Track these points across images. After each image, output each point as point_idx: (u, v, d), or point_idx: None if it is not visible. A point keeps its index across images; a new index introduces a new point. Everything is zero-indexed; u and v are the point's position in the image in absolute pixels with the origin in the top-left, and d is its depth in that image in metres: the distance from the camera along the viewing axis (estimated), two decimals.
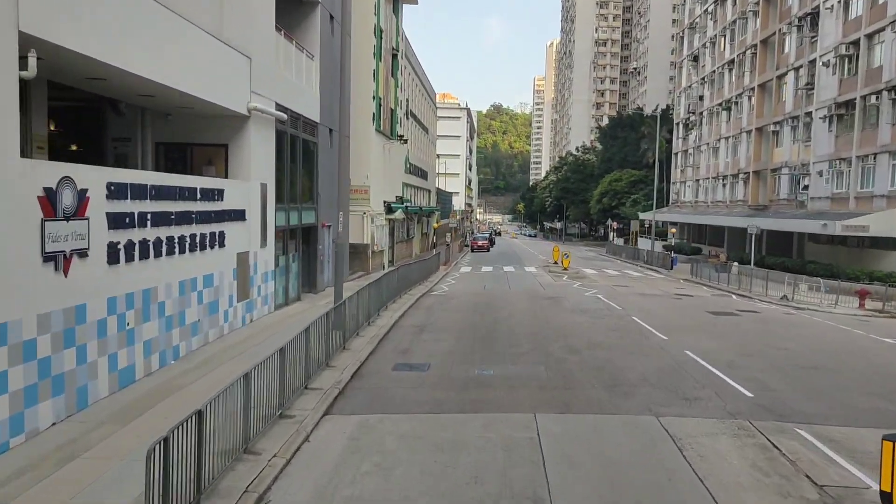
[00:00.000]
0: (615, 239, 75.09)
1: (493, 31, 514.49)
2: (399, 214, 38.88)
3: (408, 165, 46.69)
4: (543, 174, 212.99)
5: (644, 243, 63.91)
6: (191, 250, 13.86)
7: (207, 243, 14.65)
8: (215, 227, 15.05)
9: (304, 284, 23.04)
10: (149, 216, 12.11)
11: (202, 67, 14.51)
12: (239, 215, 16.43)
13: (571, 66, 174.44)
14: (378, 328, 17.83)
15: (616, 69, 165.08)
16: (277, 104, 19.10)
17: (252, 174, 17.39)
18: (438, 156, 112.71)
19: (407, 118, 45.79)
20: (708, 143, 58.32)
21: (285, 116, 19.41)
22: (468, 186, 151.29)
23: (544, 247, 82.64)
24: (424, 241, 57.72)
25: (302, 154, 22.05)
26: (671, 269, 44.00)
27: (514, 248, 77.23)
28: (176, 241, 13.20)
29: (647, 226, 73.21)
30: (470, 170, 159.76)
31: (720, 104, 55.53)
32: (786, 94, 43.52)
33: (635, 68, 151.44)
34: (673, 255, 45.23)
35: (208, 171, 17.04)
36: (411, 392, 12.19)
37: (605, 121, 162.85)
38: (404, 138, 39.47)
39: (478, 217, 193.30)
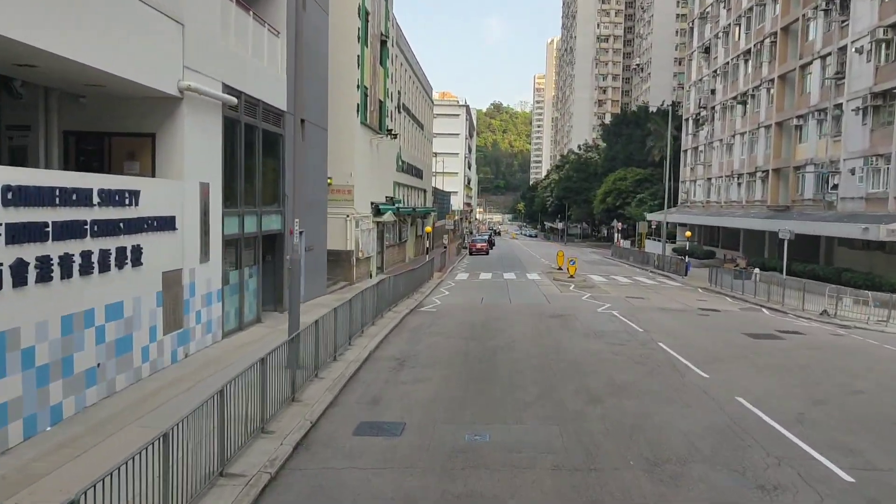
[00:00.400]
0: (621, 241, 71.45)
1: (492, 31, 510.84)
2: (389, 216, 35.38)
3: (400, 163, 43.15)
4: (544, 173, 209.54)
5: (652, 246, 60.40)
6: (83, 273, 10.31)
7: (112, 262, 11.10)
8: (126, 241, 11.50)
9: (266, 303, 19.50)
10: (1, 229, 8.58)
11: (106, 29, 10.96)
12: (165, 224, 12.87)
13: (573, 63, 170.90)
14: (346, 364, 14.26)
15: (618, 66, 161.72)
16: (226, 86, 15.56)
17: (187, 171, 13.83)
18: (436, 154, 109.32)
19: (399, 112, 42.25)
20: (721, 140, 54.78)
21: (235, 101, 15.85)
22: (467, 185, 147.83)
23: (546, 248, 79.11)
24: (419, 244, 54.22)
25: (263, 148, 18.50)
26: (685, 275, 40.47)
27: (514, 251, 73.76)
28: (55, 262, 9.65)
29: (653, 227, 69.82)
30: (469, 169, 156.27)
31: (735, 98, 51.98)
32: (810, 84, 39.95)
33: (638, 65, 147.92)
34: (687, 260, 41.69)
35: (130, 168, 13.51)
36: (373, 478, 8.63)
37: (608, 118, 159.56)
38: (394, 133, 35.98)
39: (477, 217, 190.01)
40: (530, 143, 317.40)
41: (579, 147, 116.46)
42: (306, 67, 21.85)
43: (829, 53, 37.24)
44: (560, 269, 41.20)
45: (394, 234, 41.88)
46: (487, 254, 63.31)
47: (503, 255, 61.31)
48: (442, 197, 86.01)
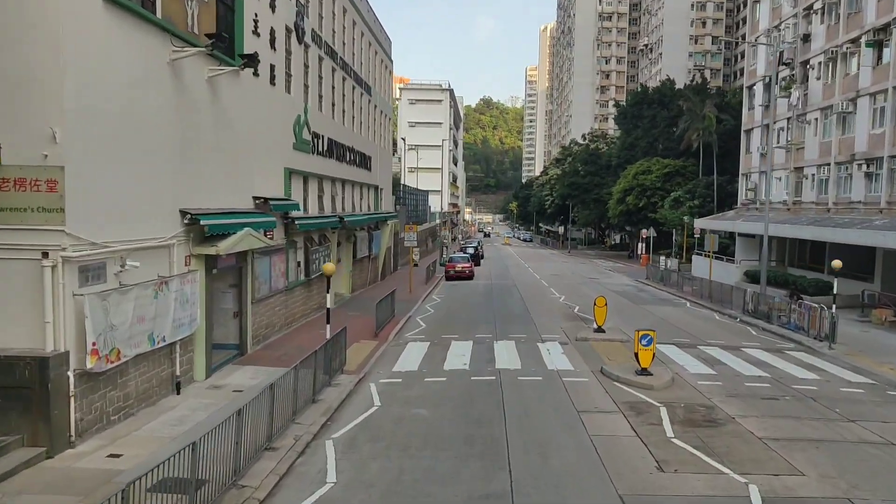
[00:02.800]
0: (647, 254, 51.77)
1: (481, 25, 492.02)
2: (243, 240, 16.11)
3: (307, 139, 23.87)
4: (538, 171, 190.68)
5: (699, 266, 41.09)
6: None
7: None
8: None
9: None
10: None
11: None
12: None
13: (571, 45, 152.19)
14: None
15: (623, 47, 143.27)
16: None
17: None
18: (405, 141, 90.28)
19: (300, 41, 22.93)
20: (826, 108, 35.85)
21: None
22: (453, 183, 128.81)
23: (550, 262, 59.78)
24: (366, 269, 34.94)
25: None
26: (832, 341, 21.46)
27: (510, 268, 54.32)
28: None
29: (695, 236, 51.08)
30: (455, 164, 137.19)
31: (853, 41, 33.16)
32: None
33: (646, 45, 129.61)
34: (834, 313, 22.47)
35: None
36: None
37: (611, 106, 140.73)
38: (250, 56, 16.38)
39: (465, 217, 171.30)
40: (522, 140, 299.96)
41: (583, 136, 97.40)
42: None
43: None
44: (600, 329, 22.01)
45: (293, 269, 22.58)
46: (472, 277, 44.10)
47: (495, 284, 41.99)
48: (415, 197, 66.77)
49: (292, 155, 22.37)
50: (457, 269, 43.58)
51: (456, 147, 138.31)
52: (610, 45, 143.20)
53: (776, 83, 36.26)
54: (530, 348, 20.13)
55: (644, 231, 62.20)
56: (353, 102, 32.71)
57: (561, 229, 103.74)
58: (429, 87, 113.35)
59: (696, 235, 51.01)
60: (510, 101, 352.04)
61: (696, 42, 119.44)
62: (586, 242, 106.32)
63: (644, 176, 64.27)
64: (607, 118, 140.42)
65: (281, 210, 20.35)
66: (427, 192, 79.23)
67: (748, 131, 46.46)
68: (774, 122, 42.36)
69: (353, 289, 32.68)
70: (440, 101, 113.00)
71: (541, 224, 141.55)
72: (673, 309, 30.64)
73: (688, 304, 32.73)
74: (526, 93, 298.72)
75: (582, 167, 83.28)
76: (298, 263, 23.32)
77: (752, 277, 38.52)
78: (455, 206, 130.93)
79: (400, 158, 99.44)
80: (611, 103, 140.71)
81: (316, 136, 25.11)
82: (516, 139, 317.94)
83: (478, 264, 55.04)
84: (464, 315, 27.11)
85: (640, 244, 64.26)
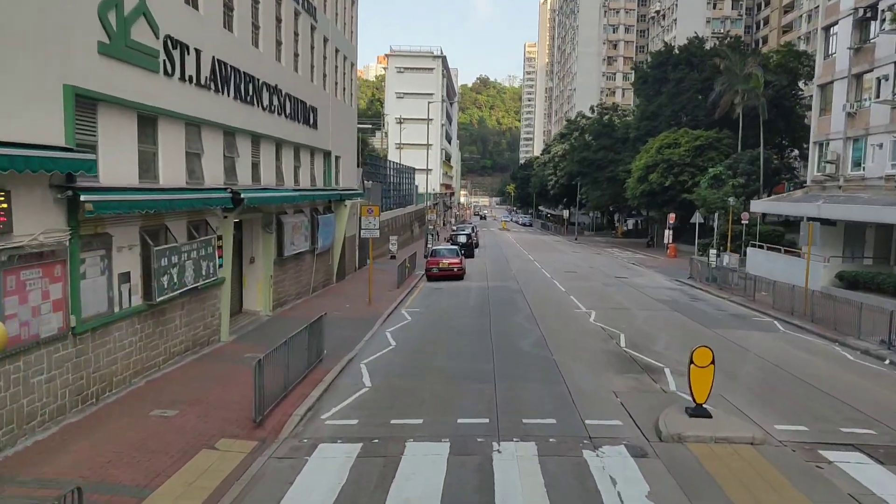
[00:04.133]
0: (720, 255, 39.79)
1: (478, 2, 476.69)
2: None
3: (134, 36, 12.73)
4: (537, 151, 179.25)
5: (758, 261, 29.83)
6: None
7: None
8: None
9: None
10: None
11: None
12: None
13: (576, 12, 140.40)
14: None
15: (632, 14, 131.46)
16: None
17: None
18: (382, 104, 78.72)
19: None
20: None
21: None
22: (446, 162, 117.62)
23: (561, 255, 48.71)
24: (306, 271, 23.98)
25: None
26: None
27: (510, 263, 43.14)
28: None
29: (743, 222, 40.48)
30: (449, 142, 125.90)
31: None
32: None
33: (658, 11, 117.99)
34: None
35: None
36: None
37: (619, 79, 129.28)
38: None
39: (461, 200, 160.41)
40: (520, 120, 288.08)
41: (592, 109, 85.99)
42: None
43: None
44: (700, 409, 11.13)
45: (104, 283, 11.63)
46: (462, 276, 33.20)
47: (493, 288, 31.02)
48: (397, 174, 55.75)
49: (95, 65, 11.27)
50: (441, 265, 32.59)
51: (450, 123, 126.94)
52: (618, 13, 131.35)
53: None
54: (573, 477, 9.21)
55: (672, 215, 51.34)
56: (281, 21, 21.55)
57: (566, 213, 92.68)
58: (419, 54, 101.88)
59: (744, 222, 40.43)
60: (507, 81, 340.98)
61: (713, 7, 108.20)
62: (594, 228, 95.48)
63: (670, 150, 53.37)
64: (614, 92, 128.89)
65: (40, 169, 9.28)
66: (413, 169, 68.13)
67: (824, 86, 35.39)
68: (865, 74, 31.43)
69: (281, 302, 21.68)
70: (431, 69, 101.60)
71: (541, 207, 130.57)
72: (766, 337, 19.76)
73: (779, 327, 21.85)
74: (524, 70, 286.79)
75: (594, 141, 72.01)
76: (126, 277, 12.35)
77: (849, 282, 27.71)
78: (449, 186, 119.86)
79: (386, 133, 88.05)
80: (619, 76, 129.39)
81: (175, 45, 14.00)
82: (514, 119, 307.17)
83: (471, 256, 44.26)
84: (441, 359, 16.17)
85: (666, 231, 53.40)
